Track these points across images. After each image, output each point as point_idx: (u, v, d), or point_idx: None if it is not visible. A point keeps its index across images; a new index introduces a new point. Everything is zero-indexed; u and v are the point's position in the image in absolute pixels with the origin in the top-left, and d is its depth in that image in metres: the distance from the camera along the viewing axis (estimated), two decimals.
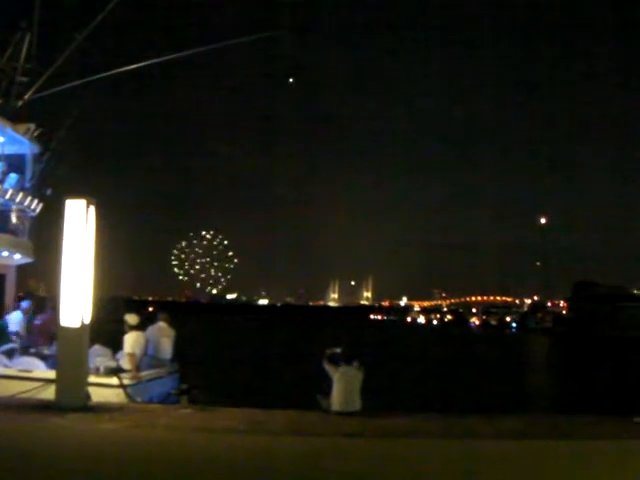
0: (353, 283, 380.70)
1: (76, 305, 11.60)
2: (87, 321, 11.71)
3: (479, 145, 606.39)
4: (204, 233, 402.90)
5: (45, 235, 18.45)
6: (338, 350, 12.54)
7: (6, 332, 15.18)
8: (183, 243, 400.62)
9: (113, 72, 19.48)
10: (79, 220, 11.74)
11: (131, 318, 13.92)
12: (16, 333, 15.08)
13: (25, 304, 15.74)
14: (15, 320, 15.34)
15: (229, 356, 48.15)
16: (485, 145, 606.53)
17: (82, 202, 11.79)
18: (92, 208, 11.88)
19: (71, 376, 11.59)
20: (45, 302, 15.73)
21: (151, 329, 14.69)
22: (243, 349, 57.50)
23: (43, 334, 14.97)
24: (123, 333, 13.84)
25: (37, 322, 15.34)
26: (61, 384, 11.57)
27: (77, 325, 11.54)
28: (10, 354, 14.33)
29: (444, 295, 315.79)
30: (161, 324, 15.08)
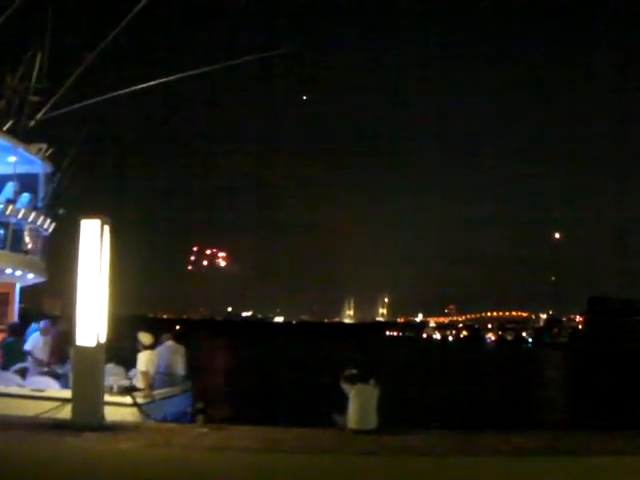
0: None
1: (91, 324, 11.54)
2: (102, 340, 11.67)
3: (492, 161, 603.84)
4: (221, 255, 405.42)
5: (57, 254, 18.48)
6: (355, 372, 12.45)
7: (19, 351, 15.12)
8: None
9: (122, 91, 19.61)
10: (94, 240, 11.70)
11: (145, 337, 13.88)
12: (29, 352, 14.96)
13: (43, 324, 15.59)
14: (33, 340, 15.21)
15: (245, 374, 48.05)
16: (500, 161, 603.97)
17: (97, 222, 11.76)
18: (107, 227, 11.86)
19: (87, 395, 11.50)
20: (57, 321, 15.68)
21: (161, 348, 14.63)
22: (259, 366, 57.32)
23: (54, 353, 14.92)
24: (135, 352, 13.82)
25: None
26: (77, 403, 11.48)
27: (93, 344, 11.49)
28: (23, 373, 14.29)
29: (459, 311, 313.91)
30: (169, 343, 15.06)
